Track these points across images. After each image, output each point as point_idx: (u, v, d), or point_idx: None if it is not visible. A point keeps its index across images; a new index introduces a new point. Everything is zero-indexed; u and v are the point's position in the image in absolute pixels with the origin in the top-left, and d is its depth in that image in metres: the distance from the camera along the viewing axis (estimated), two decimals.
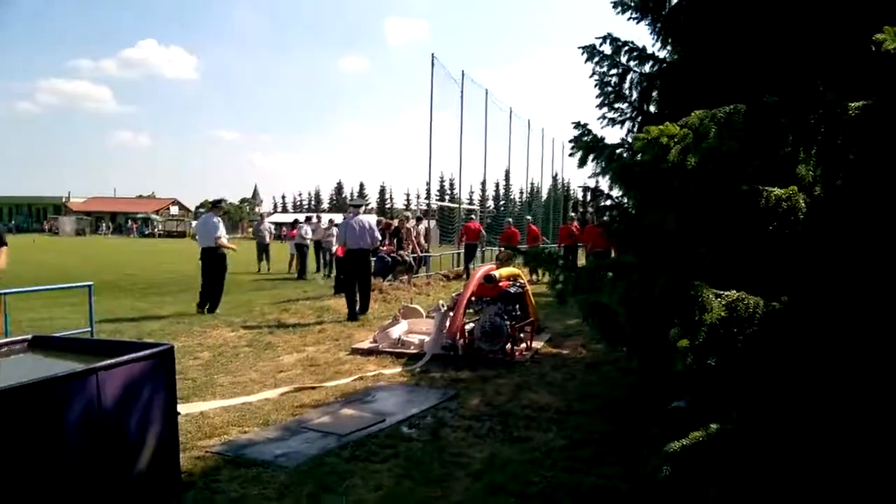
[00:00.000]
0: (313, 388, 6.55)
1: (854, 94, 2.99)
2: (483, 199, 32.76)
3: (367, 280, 11.60)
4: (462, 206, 26.89)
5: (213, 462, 4.59)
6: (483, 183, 29.49)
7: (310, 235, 20.06)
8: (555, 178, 44.48)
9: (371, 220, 11.84)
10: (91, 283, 8.61)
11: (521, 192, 44.31)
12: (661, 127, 2.45)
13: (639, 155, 2.92)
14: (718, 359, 2.21)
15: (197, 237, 11.86)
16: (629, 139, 5.61)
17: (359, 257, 11.40)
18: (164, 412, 3.97)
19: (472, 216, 24.19)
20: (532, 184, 39.86)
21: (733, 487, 1.98)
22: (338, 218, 24.76)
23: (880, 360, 2.21)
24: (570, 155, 3.26)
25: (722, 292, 2.37)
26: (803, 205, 2.67)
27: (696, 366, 2.17)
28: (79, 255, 30.10)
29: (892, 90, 3.03)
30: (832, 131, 2.34)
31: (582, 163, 3.18)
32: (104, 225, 77.67)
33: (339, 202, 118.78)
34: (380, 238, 11.66)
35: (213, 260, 11.35)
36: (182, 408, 5.50)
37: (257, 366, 7.58)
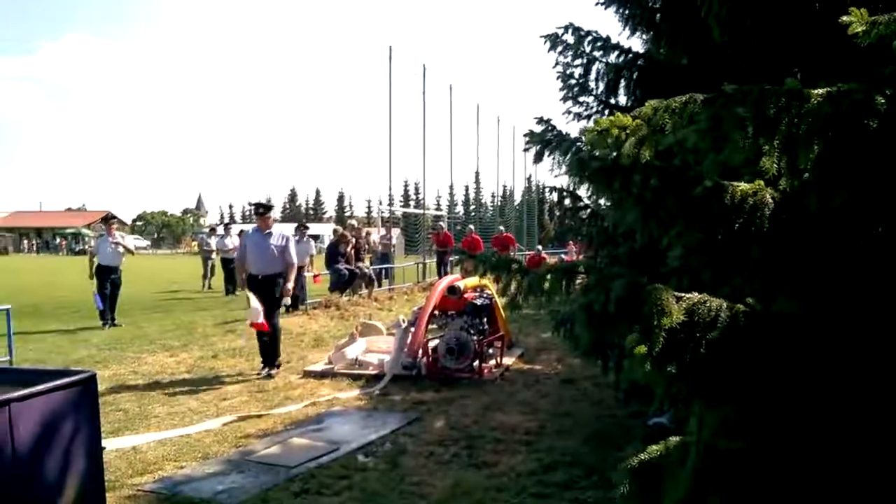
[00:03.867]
0: (259, 416, 6.51)
1: (826, 80, 3.09)
2: (451, 204, 32.92)
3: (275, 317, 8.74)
4: (428, 213, 27.00)
5: (144, 501, 4.54)
6: (451, 186, 29.70)
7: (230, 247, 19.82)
8: (528, 180, 44.87)
9: (286, 230, 9.36)
10: (9, 306, 8.45)
11: (493, 196, 44.59)
12: (611, 118, 2.51)
13: (596, 149, 2.97)
14: (679, 366, 2.26)
15: None
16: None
17: (264, 286, 8.52)
18: (87, 447, 3.91)
19: (441, 223, 24.26)
20: (504, 186, 40.16)
21: (690, 502, 2.03)
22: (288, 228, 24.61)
23: (850, 366, 2.29)
24: (525, 150, 3.32)
25: (683, 295, 2.42)
26: (770, 200, 2.74)
27: (654, 374, 2.22)
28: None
29: (861, 76, 3.14)
30: (794, 121, 2.41)
31: (538, 158, 3.23)
32: (26, 242, 76.16)
33: (292, 211, 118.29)
34: (293, 260, 8.79)
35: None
36: (112, 442, 5.44)
37: (198, 394, 7.50)
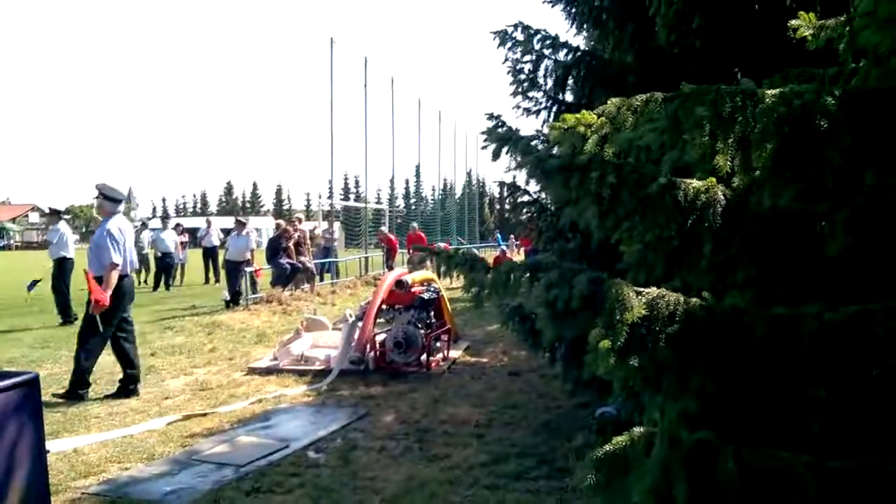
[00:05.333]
0: (204, 414, 6.38)
1: (769, 79, 3.20)
2: (392, 198, 32.81)
3: (86, 331, 7.18)
4: (369, 206, 26.88)
5: None
6: (392, 180, 29.64)
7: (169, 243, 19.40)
8: (469, 174, 45.09)
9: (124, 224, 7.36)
10: None
11: (434, 190, 44.61)
12: (577, 116, 2.55)
13: (555, 147, 3.01)
14: (640, 360, 2.32)
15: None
16: (545, 130, 5.78)
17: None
18: (31, 451, 3.77)
19: (383, 227, 24.53)
20: (445, 180, 40.32)
21: (657, 492, 2.09)
22: (226, 222, 24.26)
23: (801, 359, 2.38)
24: (483, 147, 3.32)
25: (642, 290, 2.48)
26: (721, 197, 2.82)
27: (617, 368, 2.27)
28: None
29: (807, 77, 3.26)
30: (749, 120, 2.49)
31: (496, 155, 3.23)
32: None
33: (229, 204, 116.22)
34: (118, 258, 6.97)
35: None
36: (51, 445, 5.25)
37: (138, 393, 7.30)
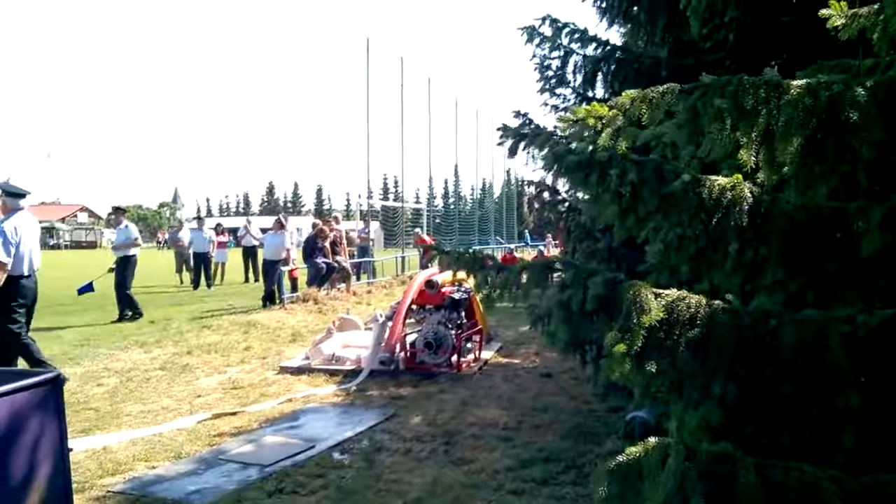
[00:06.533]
0: (234, 413, 6.40)
1: (807, 73, 3.05)
2: (430, 198, 32.82)
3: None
4: (407, 206, 26.91)
5: (114, 502, 4.42)
6: (430, 180, 29.66)
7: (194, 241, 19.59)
8: (507, 173, 44.88)
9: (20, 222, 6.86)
10: None
11: (472, 189, 44.44)
12: (587, 108, 2.45)
13: (573, 142, 2.91)
14: (658, 365, 2.21)
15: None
16: None
17: None
18: (53, 449, 3.79)
19: (418, 229, 24.59)
20: (483, 180, 40.20)
21: None
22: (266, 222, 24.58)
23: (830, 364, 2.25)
24: (499, 144, 3.22)
25: (661, 291, 2.37)
26: (748, 194, 2.69)
27: (634, 373, 2.17)
28: None
29: (843, 69, 3.10)
30: (773, 113, 2.36)
31: (512, 152, 3.14)
32: None
33: (271, 204, 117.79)
34: (6, 258, 6.60)
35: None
36: (82, 442, 5.32)
37: (172, 391, 7.37)
